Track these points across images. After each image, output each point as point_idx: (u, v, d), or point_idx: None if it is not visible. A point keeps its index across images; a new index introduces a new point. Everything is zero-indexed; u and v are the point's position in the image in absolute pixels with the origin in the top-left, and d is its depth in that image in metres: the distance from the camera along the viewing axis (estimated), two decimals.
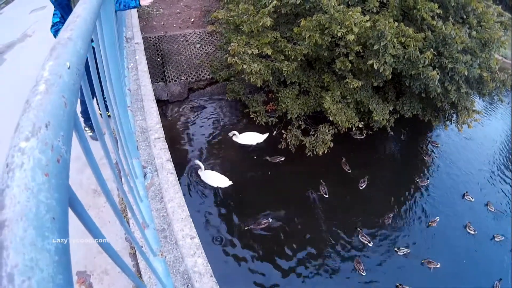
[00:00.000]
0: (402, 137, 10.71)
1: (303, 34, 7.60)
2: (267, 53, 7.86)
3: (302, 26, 7.58)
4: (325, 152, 8.60)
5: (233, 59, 7.70)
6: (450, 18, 8.16)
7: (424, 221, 8.35)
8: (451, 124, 9.72)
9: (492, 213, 8.90)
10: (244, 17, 7.97)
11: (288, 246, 7.36)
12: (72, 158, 0.74)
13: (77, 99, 0.86)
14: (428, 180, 9.38)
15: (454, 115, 9.41)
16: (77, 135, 1.00)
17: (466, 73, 7.61)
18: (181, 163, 8.44)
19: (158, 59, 10.61)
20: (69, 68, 0.86)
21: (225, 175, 7.91)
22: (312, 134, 9.01)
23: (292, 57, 8.05)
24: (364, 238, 7.68)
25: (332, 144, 8.62)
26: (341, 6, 7.32)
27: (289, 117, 8.98)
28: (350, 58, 7.75)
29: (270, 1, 7.93)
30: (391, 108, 8.83)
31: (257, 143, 8.95)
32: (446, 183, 9.49)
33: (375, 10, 7.91)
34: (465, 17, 8.43)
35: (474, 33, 8.15)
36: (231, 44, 7.91)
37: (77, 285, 3.11)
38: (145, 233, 2.36)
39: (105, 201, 3.65)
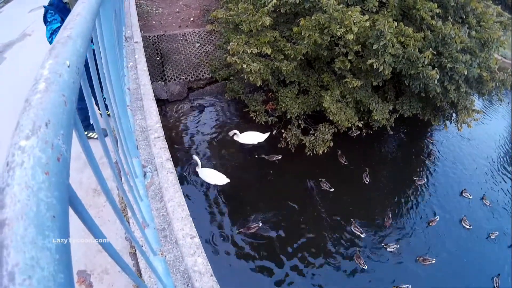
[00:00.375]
0: (401, 136, 10.73)
1: (302, 34, 7.61)
2: (267, 53, 7.86)
3: (302, 26, 7.59)
4: (325, 151, 8.61)
5: (233, 58, 7.71)
6: (449, 17, 8.16)
7: (424, 219, 8.38)
8: (450, 123, 9.74)
9: (489, 208, 9.00)
10: (244, 16, 7.98)
11: (288, 244, 7.36)
12: (71, 158, 0.74)
13: (77, 98, 0.86)
14: (426, 179, 9.42)
15: (454, 115, 9.42)
16: (77, 134, 1.00)
17: (465, 73, 7.63)
18: (181, 162, 8.44)
19: (158, 58, 10.61)
20: (69, 66, 0.86)
21: (224, 174, 7.91)
22: (311, 134, 9.01)
23: (292, 57, 8.05)
24: (356, 228, 7.80)
25: (332, 144, 8.64)
26: (341, 6, 7.33)
27: (288, 117, 8.99)
28: (349, 57, 7.75)
29: (269, 1, 7.93)
30: (390, 108, 8.83)
31: (258, 142, 8.94)
32: (445, 181, 9.53)
33: (374, 10, 7.91)
34: (464, 17, 8.43)
35: (473, 32, 8.16)
36: (231, 43, 7.92)
37: (77, 285, 3.11)
38: (145, 232, 2.36)
39: (105, 201, 3.66)
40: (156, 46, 10.91)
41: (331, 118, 8.27)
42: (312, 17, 7.49)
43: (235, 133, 8.71)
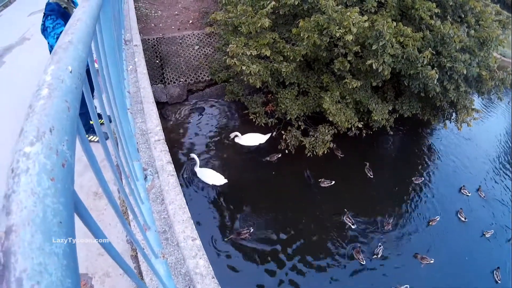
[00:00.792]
0: (401, 136, 10.75)
1: (301, 35, 7.62)
2: (266, 54, 7.88)
3: (301, 27, 7.60)
4: (325, 152, 8.61)
5: (232, 60, 7.72)
6: (448, 17, 8.19)
7: (424, 219, 8.41)
8: (450, 123, 9.76)
9: (486, 203, 9.12)
10: (243, 18, 7.99)
11: (289, 244, 7.37)
12: None
13: (79, 103, 0.86)
14: (426, 178, 9.50)
15: (453, 114, 9.44)
16: (79, 138, 1.00)
17: (465, 72, 7.64)
18: (181, 165, 8.45)
19: (157, 61, 10.62)
20: (71, 72, 0.86)
21: (224, 175, 7.92)
22: (311, 135, 9.01)
23: (291, 58, 8.06)
24: (349, 219, 7.88)
25: (331, 144, 8.65)
26: (339, 7, 7.35)
27: (288, 118, 9.00)
28: (348, 58, 7.76)
29: (268, 2, 7.94)
30: (390, 108, 8.85)
31: (259, 144, 8.95)
32: (445, 180, 9.59)
33: (373, 10, 7.93)
34: (463, 16, 8.46)
35: (472, 32, 8.18)
36: (230, 45, 7.93)
37: None
38: (146, 235, 2.36)
39: (106, 204, 3.67)
40: (156, 49, 10.93)
41: (331, 119, 8.28)
42: (311, 18, 7.51)
43: (236, 135, 8.72)
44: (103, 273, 3.22)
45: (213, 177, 7.86)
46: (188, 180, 8.18)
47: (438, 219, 8.30)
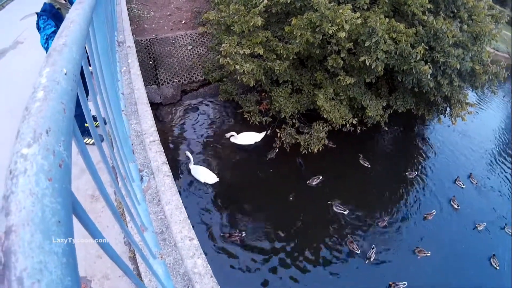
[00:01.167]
0: (396, 132, 10.82)
1: (294, 33, 7.63)
2: (259, 53, 7.89)
3: (293, 25, 7.61)
4: (320, 149, 8.64)
5: (225, 60, 7.72)
6: (441, 12, 8.21)
7: (420, 213, 8.48)
8: (444, 117, 9.82)
9: (479, 192, 9.37)
10: (235, 17, 7.99)
11: (287, 242, 7.39)
12: None
13: (75, 105, 0.87)
14: (421, 172, 9.60)
15: (448, 109, 9.50)
16: (75, 140, 1.01)
17: (458, 67, 7.69)
18: (177, 165, 8.45)
19: (150, 62, 10.60)
20: (66, 74, 0.87)
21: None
22: (306, 132, 9.04)
23: (284, 56, 8.08)
24: (339, 208, 8.01)
25: (326, 141, 8.68)
26: (332, 4, 7.36)
27: (282, 116, 9.01)
28: (342, 55, 7.78)
29: (260, 1, 7.95)
30: (384, 104, 8.90)
31: (255, 142, 8.96)
32: (441, 174, 9.71)
33: (365, 7, 7.95)
34: (456, 11, 8.49)
35: (465, 26, 8.23)
36: (223, 44, 7.94)
37: None
38: (144, 236, 2.37)
39: (103, 206, 3.67)
40: (149, 50, 10.91)
41: (325, 116, 8.30)
42: (304, 16, 7.52)
43: (232, 135, 8.73)
44: (102, 275, 3.22)
45: (205, 175, 7.90)
46: (184, 180, 8.17)
47: (434, 213, 8.36)
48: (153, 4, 12.82)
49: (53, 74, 0.84)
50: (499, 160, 10.78)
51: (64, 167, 0.66)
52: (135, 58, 5.57)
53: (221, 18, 8.52)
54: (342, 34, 7.04)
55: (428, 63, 7.56)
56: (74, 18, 1.24)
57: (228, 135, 8.79)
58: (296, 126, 9.28)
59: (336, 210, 7.96)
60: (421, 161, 10.07)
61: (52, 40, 1.08)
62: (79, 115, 2.70)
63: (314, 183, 8.48)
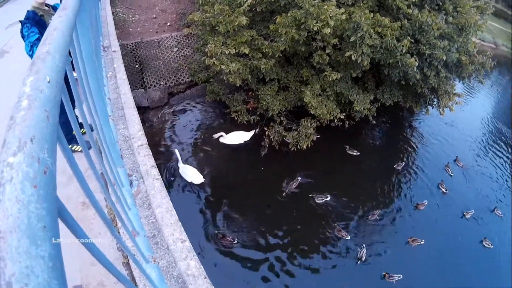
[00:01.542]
0: (384, 125, 10.91)
1: (279, 31, 7.66)
2: (245, 52, 7.90)
3: (278, 23, 7.64)
4: (309, 145, 8.67)
5: (211, 60, 7.73)
6: (425, 5, 8.29)
7: (411, 203, 8.61)
8: (432, 108, 9.93)
9: (469, 180, 9.60)
10: (220, 17, 8.00)
11: (278, 240, 7.40)
12: (57, 172, 0.76)
13: (59, 112, 0.88)
14: (410, 163, 9.75)
15: (435, 100, 9.59)
16: (61, 147, 1.01)
17: (444, 58, 7.78)
18: (166, 168, 8.42)
19: (136, 66, 10.55)
20: (49, 82, 0.88)
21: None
22: (294, 129, 9.08)
23: (270, 54, 8.11)
24: (320, 199, 8.08)
25: (315, 137, 8.72)
26: (316, 1, 7.40)
27: (270, 114, 9.03)
28: (327, 51, 7.82)
29: (245, 0, 7.96)
30: (371, 98, 8.96)
31: (244, 141, 8.95)
32: (430, 163, 9.88)
33: (350, 3, 8.01)
34: (440, 3, 8.58)
35: (450, 18, 8.30)
36: (208, 45, 7.94)
37: None
38: (136, 241, 2.37)
39: (95, 213, 3.63)
40: (134, 54, 10.85)
41: (312, 112, 8.35)
42: (288, 14, 7.55)
43: (221, 135, 8.69)
44: (97, 283, 3.21)
45: (192, 175, 7.89)
46: (173, 182, 8.15)
47: (426, 203, 8.45)
48: (138, 7, 12.75)
49: (36, 83, 0.85)
50: (488, 148, 10.99)
51: (49, 173, 0.67)
52: (121, 63, 5.54)
53: (206, 18, 8.52)
54: (327, 30, 7.08)
55: (414, 56, 7.63)
56: (57, 26, 1.24)
57: (216, 135, 8.76)
58: (284, 123, 9.31)
59: (318, 201, 8.02)
60: (411, 152, 10.18)
61: (37, 47, 1.08)
62: (66, 122, 2.70)
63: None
